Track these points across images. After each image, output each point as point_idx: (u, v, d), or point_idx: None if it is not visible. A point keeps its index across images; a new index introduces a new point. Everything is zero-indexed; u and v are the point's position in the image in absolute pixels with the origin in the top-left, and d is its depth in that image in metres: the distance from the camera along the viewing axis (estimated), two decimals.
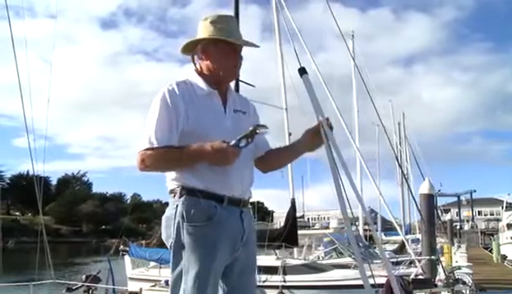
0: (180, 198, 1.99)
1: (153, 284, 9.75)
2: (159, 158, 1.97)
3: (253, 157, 2.20)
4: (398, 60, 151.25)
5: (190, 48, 2.21)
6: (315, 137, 2.11)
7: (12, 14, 7.43)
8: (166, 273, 10.74)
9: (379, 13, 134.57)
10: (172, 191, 2.05)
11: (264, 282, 9.59)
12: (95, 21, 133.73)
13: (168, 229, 2.02)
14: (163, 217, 2.07)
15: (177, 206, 1.99)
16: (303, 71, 2.21)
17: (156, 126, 1.98)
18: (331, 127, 2.09)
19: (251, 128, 1.95)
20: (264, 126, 2.00)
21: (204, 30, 2.16)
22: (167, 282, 9.30)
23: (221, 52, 2.13)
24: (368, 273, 2.05)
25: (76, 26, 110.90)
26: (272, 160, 2.30)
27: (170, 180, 2.07)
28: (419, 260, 9.61)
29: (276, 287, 9.51)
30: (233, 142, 1.92)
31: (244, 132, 1.94)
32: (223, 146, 1.91)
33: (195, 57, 2.20)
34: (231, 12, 10.56)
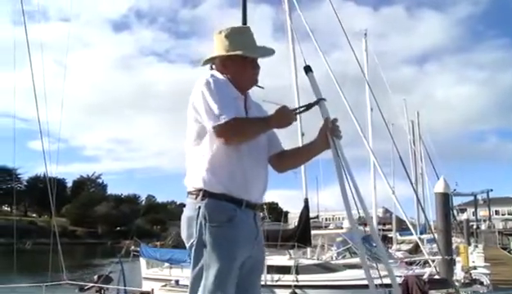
0: (202, 200, 2.09)
1: (163, 284, 9.76)
2: (243, 127, 2.12)
3: (267, 159, 2.32)
4: (412, 58, 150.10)
5: (209, 62, 2.36)
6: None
7: (27, 18, 7.52)
8: (176, 273, 10.83)
9: (392, 11, 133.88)
10: (192, 193, 2.15)
11: (277, 281, 9.58)
12: (107, 24, 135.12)
13: (189, 228, 2.12)
14: (184, 218, 2.17)
15: (199, 207, 2.08)
16: (308, 69, 2.29)
17: (226, 102, 2.09)
18: (338, 131, 2.17)
19: (314, 100, 2.19)
20: (324, 100, 2.19)
21: (219, 45, 2.29)
22: (177, 281, 9.35)
23: (239, 65, 2.26)
24: (376, 274, 2.00)
25: (88, 29, 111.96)
26: (288, 159, 2.40)
27: (191, 182, 2.17)
28: (433, 260, 9.46)
29: (289, 286, 9.48)
30: (292, 108, 2.18)
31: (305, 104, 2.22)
32: (285, 108, 2.13)
33: (214, 67, 2.32)
34: (239, 13, 10.54)
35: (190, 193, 2.16)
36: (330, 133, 2.15)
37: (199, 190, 2.11)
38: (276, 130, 2.32)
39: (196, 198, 2.11)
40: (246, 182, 2.13)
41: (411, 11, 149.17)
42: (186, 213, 2.15)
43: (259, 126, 2.17)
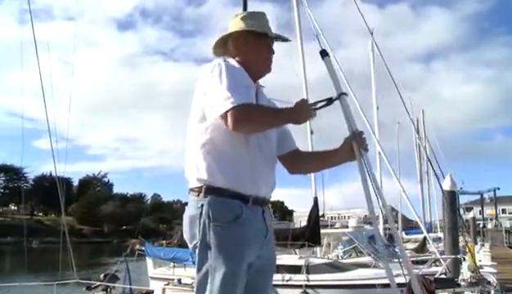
0: (205, 197, 1.93)
1: (166, 283, 9.78)
2: (256, 113, 1.95)
3: (276, 156, 2.18)
4: (417, 56, 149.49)
5: (221, 46, 2.20)
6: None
7: (32, 17, 7.55)
8: (179, 272, 10.86)
9: (397, 9, 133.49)
10: (194, 189, 1.98)
11: (288, 281, 9.51)
12: (111, 23, 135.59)
13: (192, 229, 1.96)
14: (186, 217, 2.00)
15: (202, 205, 1.92)
16: (324, 53, 2.13)
17: (237, 86, 1.91)
18: (365, 144, 2.06)
19: (335, 96, 2.03)
20: (346, 94, 2.06)
21: (234, 26, 2.18)
22: (179, 280, 9.36)
23: (252, 45, 2.13)
24: (398, 271, 1.97)
25: (93, 28, 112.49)
26: (304, 162, 2.28)
27: (193, 178, 1.99)
28: (444, 259, 9.42)
29: (300, 286, 9.43)
30: (311, 102, 2.04)
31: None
32: (305, 102, 1.99)
33: (227, 56, 2.17)
34: (240, 9, 10.54)
35: (191, 189, 1.99)
36: (357, 144, 2.02)
37: (202, 186, 1.94)
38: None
39: (199, 194, 1.95)
40: (253, 175, 1.97)
41: (417, 8, 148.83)
42: (188, 212, 1.99)
43: (275, 117, 2.01)
